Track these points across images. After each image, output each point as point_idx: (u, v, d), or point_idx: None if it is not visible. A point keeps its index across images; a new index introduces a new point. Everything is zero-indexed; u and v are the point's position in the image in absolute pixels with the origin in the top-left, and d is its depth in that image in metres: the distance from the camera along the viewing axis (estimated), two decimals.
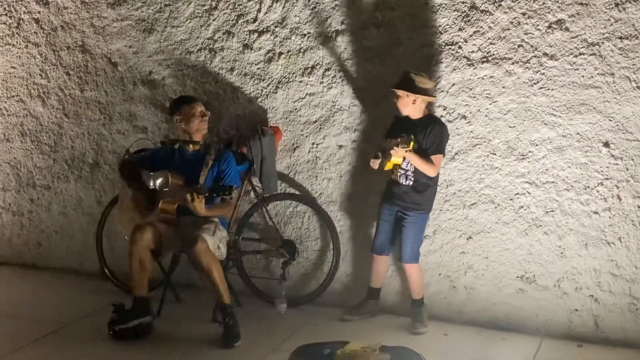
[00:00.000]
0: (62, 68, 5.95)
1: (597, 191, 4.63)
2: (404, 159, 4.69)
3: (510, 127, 4.78)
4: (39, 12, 5.96)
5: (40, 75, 6.01)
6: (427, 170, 4.69)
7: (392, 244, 4.94)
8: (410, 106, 4.71)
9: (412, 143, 4.57)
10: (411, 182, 4.76)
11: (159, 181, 4.77)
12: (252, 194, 5.39)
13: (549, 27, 4.63)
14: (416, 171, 4.73)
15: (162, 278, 5.26)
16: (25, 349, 4.52)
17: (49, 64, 5.98)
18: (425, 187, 4.77)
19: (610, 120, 4.56)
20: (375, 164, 4.72)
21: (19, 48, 6.04)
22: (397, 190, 4.81)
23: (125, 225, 4.93)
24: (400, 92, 4.67)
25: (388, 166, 4.72)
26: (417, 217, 4.81)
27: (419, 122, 4.73)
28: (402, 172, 4.77)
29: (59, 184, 6.05)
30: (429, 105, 4.83)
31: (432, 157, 4.68)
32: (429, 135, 4.67)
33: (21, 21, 6.01)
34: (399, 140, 4.59)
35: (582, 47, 4.57)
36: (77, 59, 5.90)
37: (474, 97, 4.85)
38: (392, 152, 4.60)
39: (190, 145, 4.93)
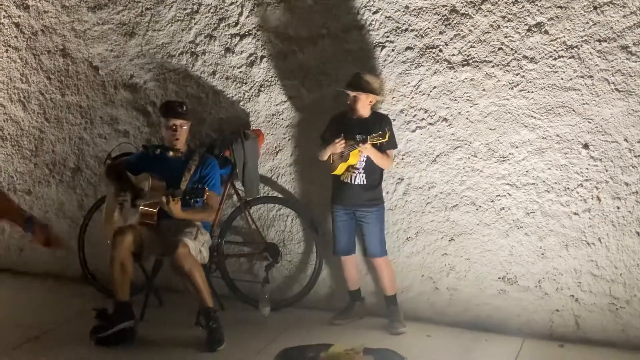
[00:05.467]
0: (43, 72, 5.92)
1: (577, 192, 4.68)
2: (361, 158, 4.76)
3: (490, 129, 4.82)
4: (19, 16, 5.92)
5: (20, 80, 5.98)
6: (385, 163, 4.82)
7: (354, 242, 5.00)
8: (367, 106, 4.77)
9: (387, 134, 4.64)
10: (365, 181, 4.82)
11: (141, 184, 4.77)
12: (234, 197, 5.39)
13: (529, 30, 4.67)
14: (367, 169, 4.81)
15: (144, 282, 5.24)
16: (8, 355, 4.49)
17: (29, 68, 5.95)
18: (377, 182, 4.88)
19: (590, 122, 4.61)
20: (337, 147, 4.71)
21: None
22: (351, 191, 4.85)
23: (110, 229, 4.92)
24: (362, 95, 4.74)
25: (341, 168, 4.78)
26: (377, 212, 4.88)
27: (369, 119, 4.81)
28: (355, 172, 4.81)
29: (40, 188, 6.02)
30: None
31: (388, 151, 4.81)
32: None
33: (1, 25, 5.98)
34: (367, 137, 4.62)
35: (561, 50, 4.62)
36: (58, 63, 5.88)
37: (455, 99, 4.88)
38: (361, 147, 4.63)
39: (171, 152, 4.93)
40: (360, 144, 4.63)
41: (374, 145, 4.67)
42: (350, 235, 4.97)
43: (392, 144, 4.84)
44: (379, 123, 4.76)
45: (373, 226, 4.88)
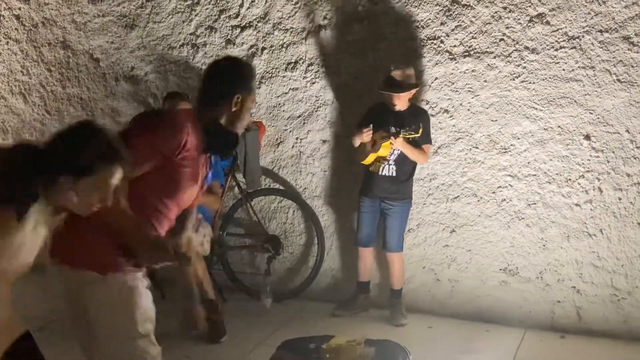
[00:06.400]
0: (44, 64, 5.91)
1: (579, 184, 4.67)
2: (392, 150, 4.71)
3: (492, 120, 4.81)
4: (20, 9, 5.91)
5: (21, 72, 5.98)
6: (420, 158, 4.75)
7: (375, 235, 4.96)
8: (407, 100, 4.73)
9: (420, 129, 4.59)
10: (394, 173, 4.78)
11: None
12: (236, 189, 5.39)
13: (530, 20, 4.65)
14: (398, 161, 4.75)
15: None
16: None
17: (30, 61, 5.94)
18: (407, 176, 4.81)
19: (591, 113, 4.60)
20: (364, 136, 4.62)
21: None
22: (379, 182, 4.81)
23: None
24: (403, 95, 4.66)
25: (370, 158, 4.74)
26: (402, 206, 4.84)
27: (406, 112, 4.73)
28: (384, 163, 4.78)
29: None
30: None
31: (424, 146, 4.73)
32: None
33: (1, 17, 5.96)
34: (396, 130, 4.57)
35: (563, 41, 4.60)
36: (58, 55, 5.87)
37: (456, 91, 4.87)
38: (393, 140, 4.57)
39: None
40: (392, 137, 4.58)
41: (407, 140, 4.64)
42: (373, 228, 4.92)
43: (428, 138, 4.75)
44: (415, 117, 4.68)
45: (394, 220, 4.82)
